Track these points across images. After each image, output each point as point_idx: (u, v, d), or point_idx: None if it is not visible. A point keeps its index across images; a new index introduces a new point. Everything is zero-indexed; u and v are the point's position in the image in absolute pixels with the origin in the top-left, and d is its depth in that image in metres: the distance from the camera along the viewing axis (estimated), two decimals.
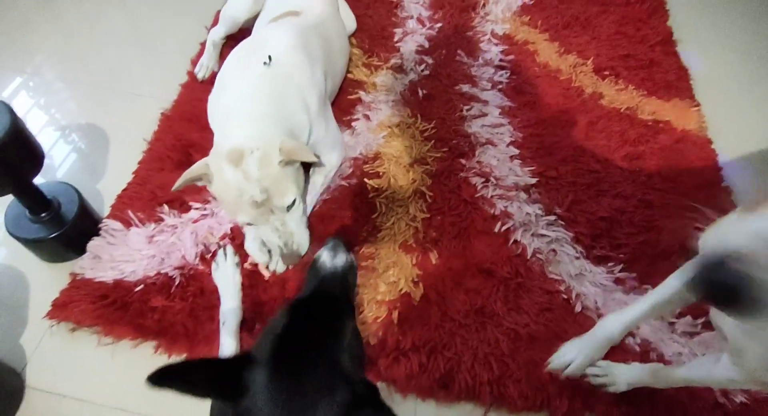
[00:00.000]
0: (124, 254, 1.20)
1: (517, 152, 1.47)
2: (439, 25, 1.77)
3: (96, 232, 1.23)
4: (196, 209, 1.30)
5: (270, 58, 1.16)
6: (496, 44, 1.73)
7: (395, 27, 1.76)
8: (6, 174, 0.96)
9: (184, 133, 1.45)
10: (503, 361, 1.10)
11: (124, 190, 1.33)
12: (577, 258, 1.26)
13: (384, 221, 1.31)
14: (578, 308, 1.18)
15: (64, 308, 1.12)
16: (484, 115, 1.56)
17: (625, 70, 1.67)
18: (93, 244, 1.20)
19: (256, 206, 1.01)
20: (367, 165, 1.42)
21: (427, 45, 1.72)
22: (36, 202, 1.11)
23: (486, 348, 1.11)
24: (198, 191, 1.32)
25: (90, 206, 1.25)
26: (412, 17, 1.79)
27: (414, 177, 1.39)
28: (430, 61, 1.67)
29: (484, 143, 1.49)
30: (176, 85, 1.60)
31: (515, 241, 1.28)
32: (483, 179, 1.40)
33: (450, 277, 1.21)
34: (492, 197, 1.36)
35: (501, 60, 1.68)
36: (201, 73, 1.61)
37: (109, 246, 1.21)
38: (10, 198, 1.13)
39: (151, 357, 1.09)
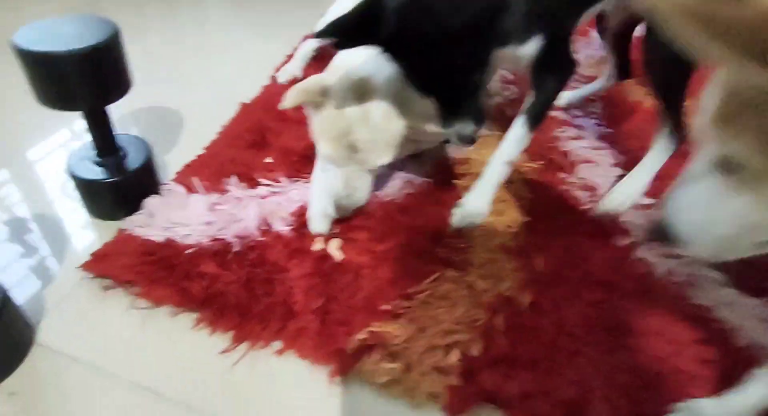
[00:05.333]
0: (181, 217, 1.04)
1: (626, 172, 1.30)
2: None
3: (155, 193, 1.09)
4: (266, 186, 1.16)
5: None
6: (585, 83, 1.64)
7: None
8: (91, 84, 0.88)
9: (262, 119, 1.37)
10: (649, 397, 0.81)
11: (193, 161, 1.22)
12: (724, 286, 1.01)
13: None
14: (742, 342, 0.90)
15: (102, 260, 0.95)
16: (581, 138, 1.43)
17: None
18: (150, 201, 1.06)
19: (351, 149, 0.89)
20: (455, 167, 1.27)
21: (510, 77, 1.66)
22: (103, 136, 1.00)
23: (623, 376, 0.83)
24: (270, 169, 1.20)
25: (155, 166, 1.13)
26: None
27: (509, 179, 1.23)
28: (515, 89, 1.60)
29: (583, 160, 1.34)
30: (259, 86, 1.57)
31: (640, 259, 1.06)
32: (589, 193, 1.22)
33: (564, 287, 0.98)
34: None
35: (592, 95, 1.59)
36: (283, 77, 1.59)
37: (166, 207, 1.06)
38: (79, 143, 1.04)
39: (188, 330, 0.88)
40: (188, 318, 0.90)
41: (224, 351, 0.85)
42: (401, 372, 0.82)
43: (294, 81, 1.58)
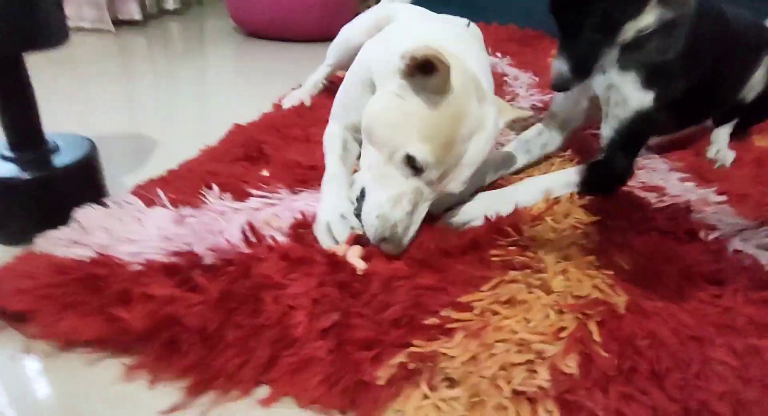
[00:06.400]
0: (130, 231, 0.71)
1: (686, 174, 1.08)
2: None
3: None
4: (260, 197, 0.85)
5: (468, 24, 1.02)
6: None
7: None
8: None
9: (258, 135, 1.11)
10: None
11: (160, 176, 0.92)
12: None
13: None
14: None
15: None
16: None
17: None
18: (84, 212, 0.73)
19: (452, 161, 0.70)
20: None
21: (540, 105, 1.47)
22: (20, 114, 0.70)
23: None
24: (266, 181, 0.90)
25: (101, 170, 0.83)
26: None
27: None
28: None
29: (639, 168, 1.09)
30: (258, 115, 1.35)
31: (736, 251, 0.80)
32: (656, 194, 0.98)
33: (663, 285, 0.70)
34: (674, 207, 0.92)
35: None
36: (289, 102, 1.38)
37: (110, 219, 0.73)
38: None
39: (113, 383, 0.51)
40: (115, 366, 0.52)
41: (173, 410, 0.47)
42: (469, 404, 0.45)
43: (301, 106, 1.36)
